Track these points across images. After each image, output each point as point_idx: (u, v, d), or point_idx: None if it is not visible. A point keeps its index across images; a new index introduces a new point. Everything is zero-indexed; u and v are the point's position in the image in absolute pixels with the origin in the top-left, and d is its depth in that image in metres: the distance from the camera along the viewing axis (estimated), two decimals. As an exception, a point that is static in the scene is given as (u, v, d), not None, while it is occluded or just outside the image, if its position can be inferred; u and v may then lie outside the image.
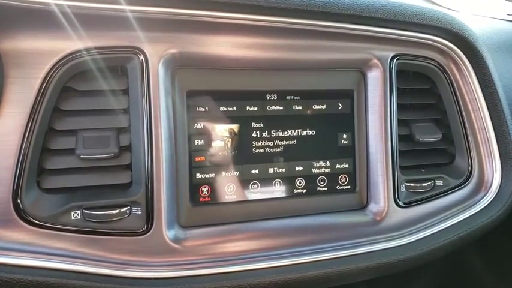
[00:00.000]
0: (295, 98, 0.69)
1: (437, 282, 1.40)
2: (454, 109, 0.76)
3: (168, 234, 0.59)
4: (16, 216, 0.52)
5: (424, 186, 0.74)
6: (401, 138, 0.73)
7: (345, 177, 0.72)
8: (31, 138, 0.53)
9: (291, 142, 0.69)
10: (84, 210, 0.56)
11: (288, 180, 0.69)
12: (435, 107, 0.78)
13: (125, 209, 0.57)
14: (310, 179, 0.70)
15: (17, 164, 0.52)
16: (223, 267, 0.60)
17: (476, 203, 0.76)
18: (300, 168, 0.70)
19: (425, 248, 0.70)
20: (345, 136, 0.72)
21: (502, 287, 1.33)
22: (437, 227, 0.73)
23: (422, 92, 0.77)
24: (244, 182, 0.67)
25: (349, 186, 0.72)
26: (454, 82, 0.75)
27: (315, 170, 0.71)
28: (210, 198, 0.65)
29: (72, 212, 0.55)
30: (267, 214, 0.67)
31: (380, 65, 0.70)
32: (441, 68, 0.74)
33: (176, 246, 0.59)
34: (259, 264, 0.62)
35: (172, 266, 0.58)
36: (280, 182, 0.69)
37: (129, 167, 0.59)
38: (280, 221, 0.67)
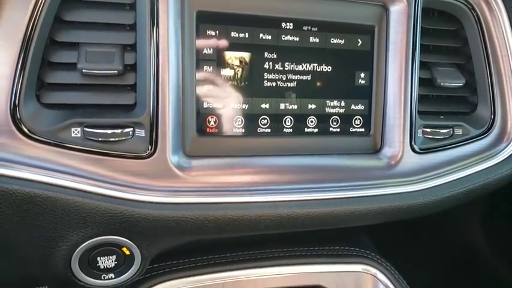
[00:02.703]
0: (313, 29, 0.65)
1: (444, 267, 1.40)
2: (481, 54, 0.71)
3: (172, 160, 0.56)
4: (14, 128, 0.50)
5: (442, 133, 0.70)
6: (421, 81, 0.69)
7: (359, 119, 0.69)
8: (30, 47, 0.50)
9: (305, 77, 0.65)
10: (85, 128, 0.53)
11: (300, 118, 0.66)
12: (460, 51, 0.73)
13: (127, 130, 0.55)
14: (323, 119, 0.67)
15: (15, 74, 0.50)
16: (227, 197, 0.58)
17: (497, 154, 0.72)
18: (313, 106, 0.66)
19: (439, 195, 0.68)
20: (362, 75, 0.68)
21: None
22: (453, 176, 0.70)
23: (447, 34, 0.72)
24: (254, 116, 0.63)
25: (363, 129, 0.69)
26: (483, 23, 0.70)
27: (328, 110, 0.67)
28: (217, 130, 0.62)
29: (73, 129, 0.53)
30: (276, 150, 0.64)
31: (405, 0, 0.66)
32: (470, 7, 0.69)
33: (180, 173, 0.57)
34: (265, 197, 0.60)
35: (175, 192, 0.56)
36: (291, 119, 0.65)
37: (133, 88, 0.57)
38: (288, 158, 0.64)
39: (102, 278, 0.57)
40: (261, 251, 0.75)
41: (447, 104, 0.73)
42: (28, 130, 0.51)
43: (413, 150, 0.68)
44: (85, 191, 0.52)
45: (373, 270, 0.77)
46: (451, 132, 0.71)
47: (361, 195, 0.64)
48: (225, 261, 0.72)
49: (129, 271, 0.58)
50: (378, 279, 0.76)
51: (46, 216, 0.51)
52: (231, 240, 0.73)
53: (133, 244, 0.56)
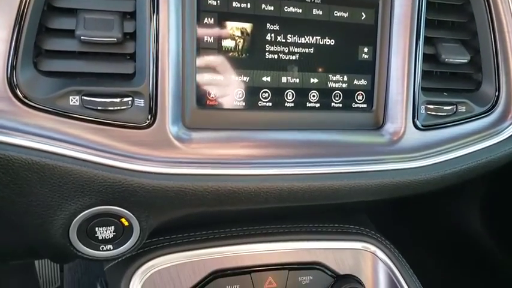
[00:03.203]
0: (316, 1, 0.63)
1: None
2: (487, 29, 0.70)
3: (172, 130, 0.56)
4: (10, 94, 0.49)
5: (445, 109, 0.69)
6: (425, 57, 0.68)
7: (361, 94, 0.68)
8: (26, 11, 0.49)
9: (307, 50, 0.64)
10: (83, 97, 0.52)
11: (301, 92, 0.65)
12: (465, 26, 0.72)
13: (126, 99, 0.54)
14: (325, 93, 0.66)
15: (11, 38, 0.49)
16: (227, 169, 0.57)
17: (500, 132, 0.72)
18: (315, 80, 0.65)
19: (441, 171, 0.67)
20: (365, 50, 0.67)
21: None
22: (455, 153, 0.69)
23: (453, 9, 0.71)
24: (255, 89, 0.62)
25: (365, 105, 0.68)
26: (490, -3, 0.69)
27: (330, 84, 0.66)
28: (217, 102, 0.61)
29: (71, 97, 0.52)
30: (277, 124, 0.64)
31: (410, -27, 0.64)
32: (477, -20, 0.68)
33: (179, 144, 0.56)
34: (265, 170, 0.59)
35: (175, 163, 0.55)
36: (292, 93, 0.64)
37: (132, 57, 0.55)
38: (289, 132, 0.64)
39: (101, 249, 0.57)
40: (260, 227, 0.74)
41: (451, 81, 0.72)
42: (25, 97, 0.50)
43: (415, 126, 0.67)
44: (83, 160, 0.51)
45: (373, 248, 0.77)
46: (455, 109, 0.70)
47: (362, 170, 0.64)
48: (224, 236, 0.71)
49: (128, 242, 0.58)
50: (378, 257, 0.76)
51: (44, 184, 0.50)
52: (230, 216, 0.73)
53: (132, 215, 0.56)
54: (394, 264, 0.76)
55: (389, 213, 1.12)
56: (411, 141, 0.68)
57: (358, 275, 0.75)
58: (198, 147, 0.58)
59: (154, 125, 0.55)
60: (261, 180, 0.59)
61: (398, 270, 0.75)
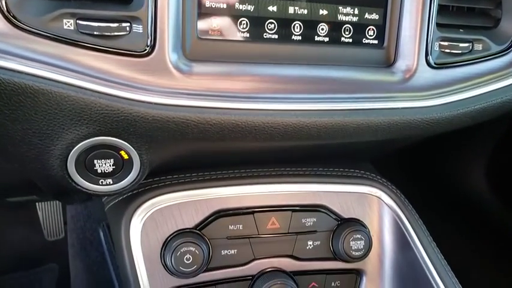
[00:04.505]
0: None
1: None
2: (509, -40, 0.65)
3: (172, 60, 0.53)
4: None
5: (461, 47, 0.65)
6: (441, -10, 0.64)
7: (373, 29, 0.64)
8: None
9: (316, -22, 0.60)
10: (78, 20, 0.49)
11: (310, 24, 0.61)
12: (486, -43, 0.67)
13: (124, 24, 0.50)
14: (335, 27, 0.62)
15: None
16: (231, 103, 0.55)
17: (518, 72, 0.68)
18: (325, 12, 0.61)
19: (453, 111, 0.64)
20: (378, -20, 0.63)
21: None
22: (468, 93, 0.66)
23: None
24: (260, 19, 0.59)
25: (376, 41, 0.64)
26: None
27: (340, 17, 0.62)
28: (219, 32, 0.58)
29: (65, 21, 0.49)
30: (283, 58, 0.60)
31: None
32: None
33: (179, 75, 0.53)
34: (270, 105, 0.57)
35: (175, 95, 0.53)
36: (300, 25, 0.61)
37: None
38: (296, 67, 0.60)
39: (100, 183, 0.55)
40: (264, 169, 0.73)
41: (468, 17, 0.68)
42: (14, 17, 0.47)
43: (428, 64, 0.64)
44: (79, 86, 0.49)
45: (379, 192, 0.75)
46: (470, 47, 0.66)
47: (371, 107, 0.61)
48: (227, 176, 0.70)
49: (128, 177, 0.56)
50: (383, 201, 0.75)
51: (39, 110, 0.48)
52: (234, 159, 0.71)
53: (131, 148, 0.54)
54: (400, 208, 0.74)
55: (394, 167, 1.10)
56: (423, 80, 0.64)
57: (362, 219, 0.74)
58: (199, 78, 0.55)
59: (154, 53, 0.52)
60: (265, 115, 0.56)
61: (405, 215, 0.74)
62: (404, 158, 1.64)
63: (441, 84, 0.65)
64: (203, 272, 0.65)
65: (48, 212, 1.62)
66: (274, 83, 0.58)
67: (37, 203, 1.59)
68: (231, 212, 0.68)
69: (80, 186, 0.55)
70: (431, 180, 1.70)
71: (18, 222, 1.70)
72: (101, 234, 0.94)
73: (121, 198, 0.67)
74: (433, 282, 0.70)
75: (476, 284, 0.92)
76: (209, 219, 0.67)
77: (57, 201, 1.63)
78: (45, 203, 1.59)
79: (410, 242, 0.72)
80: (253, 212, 0.69)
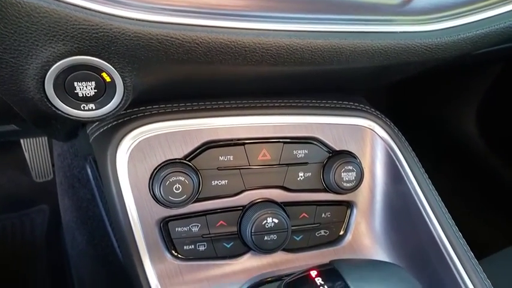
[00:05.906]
0: None
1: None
2: None
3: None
4: None
5: (466, -33, 0.61)
6: None
7: None
8: None
9: None
10: None
11: None
12: None
13: None
14: None
15: None
16: (219, 21, 0.51)
17: (523, -5, 0.65)
18: None
19: (453, 36, 0.61)
20: None
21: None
22: (471, 18, 0.63)
23: None
24: None
25: (376, -41, 0.60)
26: None
27: None
28: None
29: None
30: (276, -25, 0.56)
31: None
32: None
33: (164, -11, 0.49)
34: (262, 24, 0.53)
35: (157, 10, 0.49)
36: None
37: None
38: (290, -16, 0.56)
39: (82, 108, 0.52)
40: (254, 100, 0.70)
41: None
42: None
43: (430, -15, 0.60)
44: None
45: (372, 124, 0.73)
46: (475, -33, 0.62)
47: (368, 30, 0.58)
48: (217, 107, 0.67)
49: (111, 102, 0.53)
50: (376, 133, 0.73)
51: (7, 23, 0.43)
52: (223, 86, 0.68)
53: (113, 69, 0.50)
54: (393, 140, 0.73)
55: (387, 111, 1.09)
56: (424, 3, 0.61)
57: (355, 152, 0.73)
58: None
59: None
60: (257, 35, 0.52)
61: (397, 147, 0.73)
62: (398, 100, 1.63)
63: (442, 8, 0.62)
64: (193, 202, 0.64)
65: (35, 153, 1.59)
66: (266, 1, 0.54)
67: (23, 144, 1.56)
68: (221, 143, 0.66)
69: (61, 110, 0.52)
70: (423, 124, 1.70)
71: (6, 164, 1.68)
72: (89, 170, 0.92)
73: (106, 127, 0.64)
74: (424, 213, 0.70)
75: (464, 214, 0.95)
76: (199, 150, 0.65)
77: (44, 142, 1.60)
78: (31, 144, 1.56)
79: (403, 173, 0.71)
80: (244, 144, 0.67)
